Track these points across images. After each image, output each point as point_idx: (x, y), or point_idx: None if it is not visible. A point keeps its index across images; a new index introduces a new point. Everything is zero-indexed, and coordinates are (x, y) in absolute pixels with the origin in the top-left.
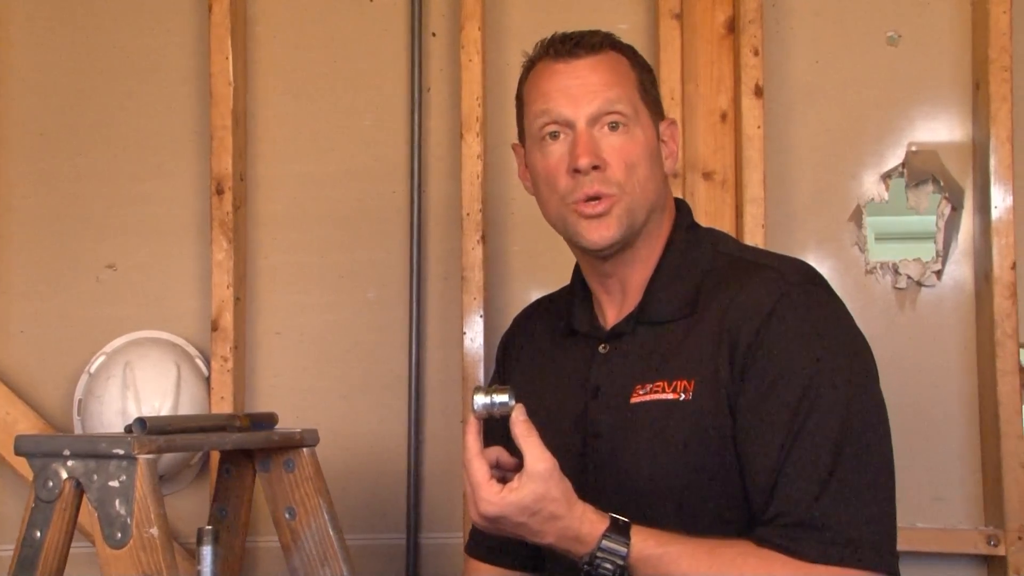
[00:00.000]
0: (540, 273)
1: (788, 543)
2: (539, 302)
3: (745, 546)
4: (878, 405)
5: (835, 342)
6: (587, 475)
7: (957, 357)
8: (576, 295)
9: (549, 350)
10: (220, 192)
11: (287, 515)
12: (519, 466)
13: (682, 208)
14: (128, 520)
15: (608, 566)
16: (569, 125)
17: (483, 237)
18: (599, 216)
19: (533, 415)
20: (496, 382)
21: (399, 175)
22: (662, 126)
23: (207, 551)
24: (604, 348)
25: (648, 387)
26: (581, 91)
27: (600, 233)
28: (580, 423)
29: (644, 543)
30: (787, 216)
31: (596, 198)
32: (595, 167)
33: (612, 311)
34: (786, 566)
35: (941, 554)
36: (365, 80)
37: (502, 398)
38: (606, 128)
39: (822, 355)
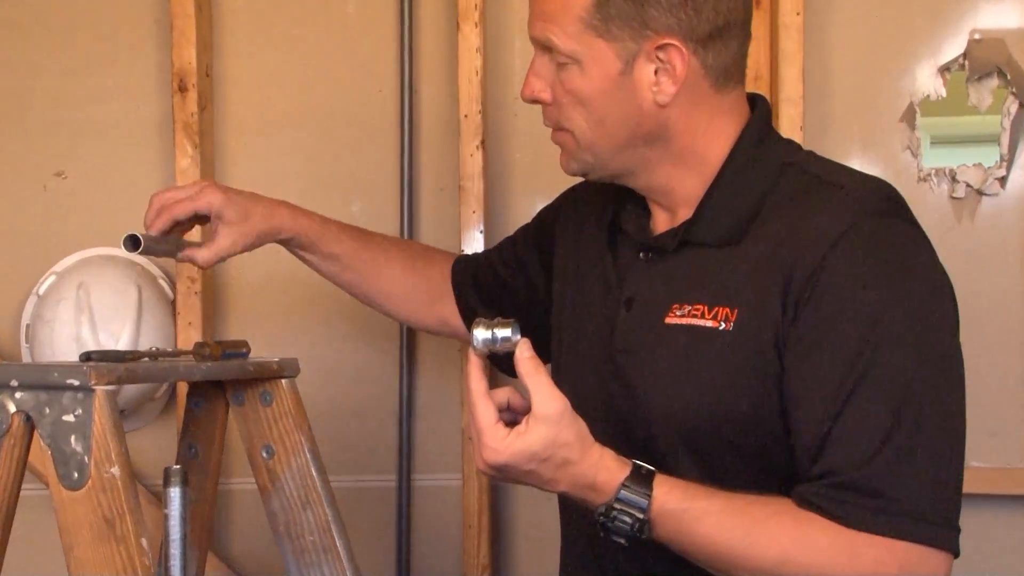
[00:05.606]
0: (546, 184)
1: (832, 506)
2: (602, 183)
3: (782, 504)
4: (953, 360)
5: (908, 284)
6: (606, 398)
7: (1019, 276)
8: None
9: (592, 240)
10: (183, 89)
11: (264, 454)
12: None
13: (757, 109)
14: (85, 459)
15: (626, 519)
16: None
17: (483, 143)
18: (559, 145)
19: (557, 311)
20: (541, 219)
21: (387, 72)
22: (648, 49)
23: (175, 493)
24: (645, 256)
25: (687, 308)
26: (533, 12)
27: (562, 161)
28: (606, 335)
29: (668, 495)
30: (828, 117)
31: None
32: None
33: (661, 217)
34: (825, 531)
35: (997, 496)
36: None
37: (505, 332)
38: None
39: (891, 297)
